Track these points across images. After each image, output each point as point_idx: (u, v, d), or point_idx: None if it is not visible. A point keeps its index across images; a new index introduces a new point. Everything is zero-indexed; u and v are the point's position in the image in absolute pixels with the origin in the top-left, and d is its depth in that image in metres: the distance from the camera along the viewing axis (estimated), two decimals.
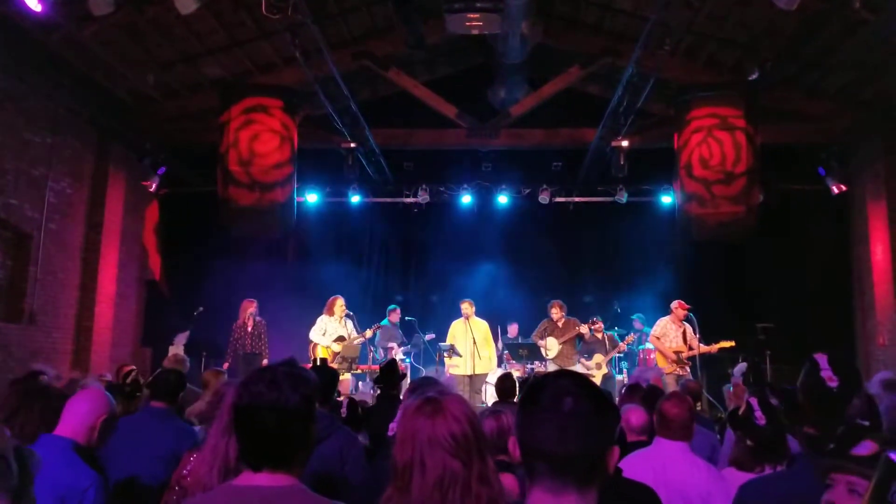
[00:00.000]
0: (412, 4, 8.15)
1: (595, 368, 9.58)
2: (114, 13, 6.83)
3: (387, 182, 11.45)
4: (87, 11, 6.77)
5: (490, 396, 9.25)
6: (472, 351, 9.21)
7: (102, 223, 9.37)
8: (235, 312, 9.29)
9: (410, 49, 9.25)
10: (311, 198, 11.03)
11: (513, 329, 10.56)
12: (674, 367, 8.65)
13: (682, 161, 8.86)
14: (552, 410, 1.28)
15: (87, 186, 9.29)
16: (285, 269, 11.43)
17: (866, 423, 2.04)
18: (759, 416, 2.93)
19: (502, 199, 11.10)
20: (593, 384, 1.37)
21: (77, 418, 2.72)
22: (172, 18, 7.86)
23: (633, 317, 10.54)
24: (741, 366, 8.01)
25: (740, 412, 3.07)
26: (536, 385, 1.35)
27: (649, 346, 9.39)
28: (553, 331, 9.73)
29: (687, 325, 8.84)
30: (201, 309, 9.75)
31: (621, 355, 10.24)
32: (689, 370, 8.68)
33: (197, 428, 3.82)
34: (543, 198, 10.86)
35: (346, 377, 8.65)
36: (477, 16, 7.32)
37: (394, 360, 6.18)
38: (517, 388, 5.40)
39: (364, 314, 10.25)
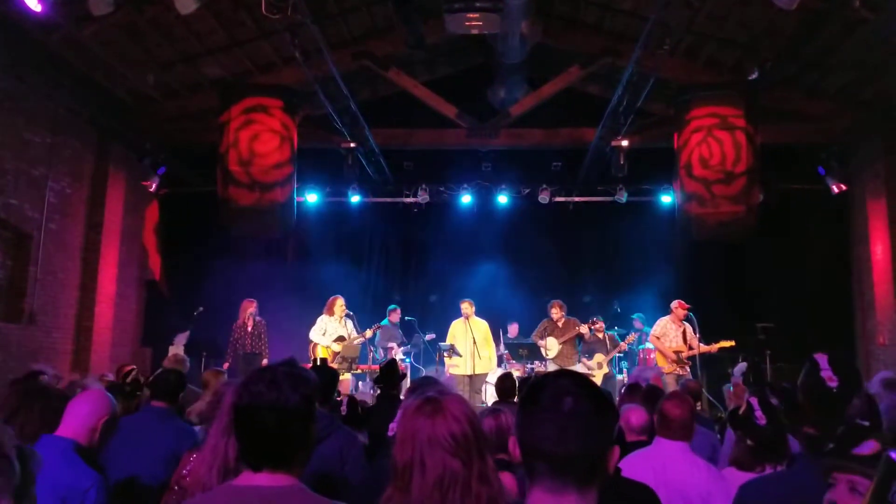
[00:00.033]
0: (412, 4, 8.15)
1: (596, 368, 9.58)
2: (113, 13, 6.83)
3: (387, 182, 11.45)
4: (86, 11, 6.77)
5: (490, 396, 9.25)
6: (472, 351, 9.20)
7: (102, 223, 9.37)
8: (235, 312, 9.29)
9: (410, 49, 9.25)
10: (311, 198, 11.03)
11: (513, 329, 10.56)
12: (674, 366, 8.65)
13: (682, 161, 8.86)
14: (552, 410, 1.28)
15: (87, 186, 9.29)
16: (285, 269, 11.43)
17: (866, 423, 2.04)
18: (760, 416, 2.93)
19: (502, 199, 11.09)
20: (593, 384, 1.37)
21: (78, 419, 2.73)
22: (172, 18, 7.86)
23: (634, 316, 10.54)
24: (741, 365, 8.02)
25: (741, 412, 3.06)
26: (536, 385, 1.35)
27: (649, 345, 9.39)
28: (553, 331, 9.73)
29: (687, 325, 8.83)
30: (201, 309, 9.75)
31: (621, 355, 10.24)
32: (689, 370, 8.68)
33: (197, 428, 3.82)
34: (543, 198, 10.86)
35: (346, 377, 8.65)
36: (476, 15, 7.31)
37: (394, 360, 6.18)
38: (517, 388, 5.40)
39: (364, 314, 10.25)
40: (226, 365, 8.74)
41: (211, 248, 10.44)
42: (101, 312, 9.29)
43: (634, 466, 3.00)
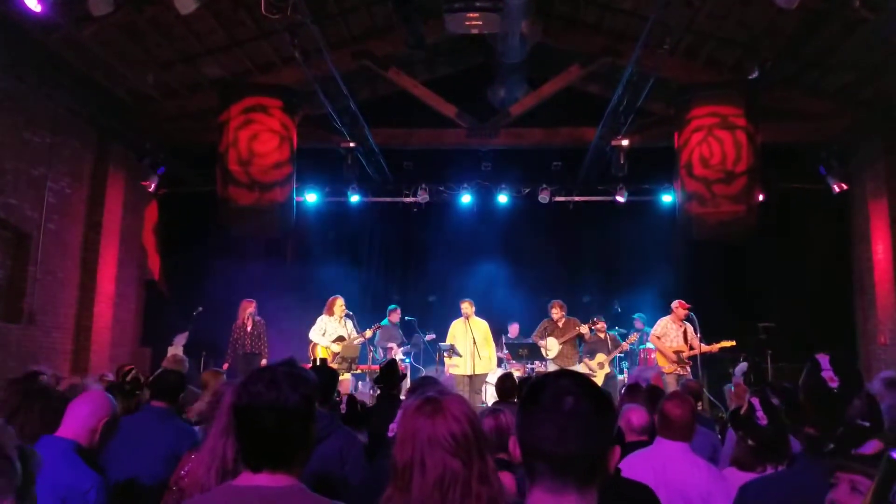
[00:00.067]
0: (412, 4, 8.15)
1: (598, 368, 9.57)
2: (113, 13, 6.83)
3: (386, 182, 11.44)
4: (86, 11, 6.77)
5: (490, 396, 9.25)
6: (472, 351, 9.20)
7: (102, 223, 9.37)
8: (235, 312, 9.28)
9: (410, 49, 9.24)
10: (311, 197, 11.02)
11: (513, 329, 10.55)
12: (674, 366, 8.64)
13: (682, 160, 8.86)
14: (552, 410, 1.28)
15: (87, 186, 9.29)
16: (285, 268, 11.42)
17: (867, 424, 2.04)
18: (761, 416, 2.93)
19: (502, 199, 11.09)
20: (594, 384, 1.36)
21: (79, 420, 2.73)
22: (172, 18, 7.86)
23: (635, 316, 10.54)
24: (742, 365, 8.02)
25: (742, 412, 3.06)
26: (537, 385, 1.34)
27: (650, 345, 9.38)
28: (553, 331, 9.72)
29: (687, 325, 8.83)
30: (200, 309, 9.75)
31: (622, 355, 10.23)
32: (689, 370, 8.68)
33: (196, 428, 3.82)
34: (543, 197, 10.85)
35: (346, 377, 8.64)
36: (476, 15, 7.31)
37: (394, 361, 6.18)
38: (517, 388, 5.39)
39: (364, 314, 10.24)
40: (225, 365, 8.74)
41: (210, 248, 10.43)
42: (100, 312, 9.29)
43: (635, 466, 3.00)
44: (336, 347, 9.06)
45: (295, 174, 9.26)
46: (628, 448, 3.34)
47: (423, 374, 8.73)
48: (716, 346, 8.79)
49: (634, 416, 3.70)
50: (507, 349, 9.78)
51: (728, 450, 3.65)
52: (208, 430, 2.22)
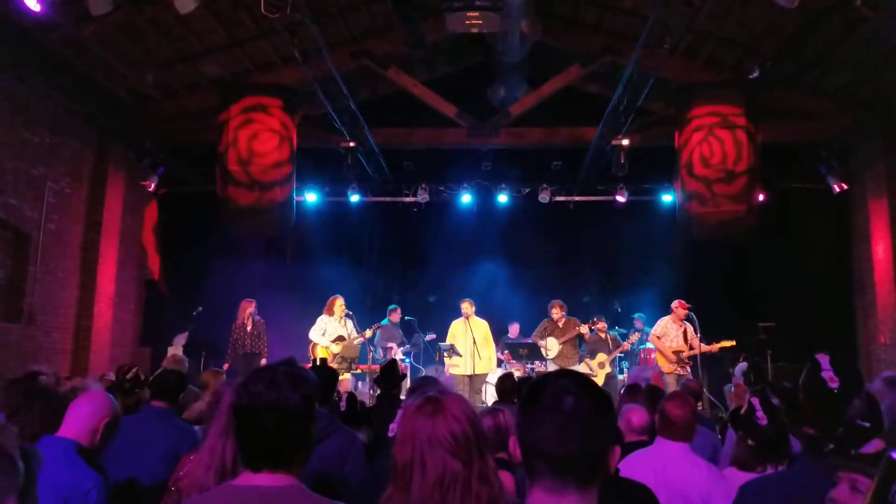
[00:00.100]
0: (412, 3, 8.14)
1: (598, 368, 9.57)
2: (113, 13, 6.83)
3: (386, 181, 11.44)
4: (86, 11, 6.76)
5: (490, 396, 9.24)
6: (472, 351, 9.19)
7: (101, 223, 9.37)
8: (234, 312, 9.27)
9: (410, 48, 9.24)
10: (311, 197, 11.02)
11: (513, 329, 10.54)
12: (674, 366, 8.64)
13: (682, 160, 8.85)
14: (552, 410, 1.28)
15: (87, 186, 9.29)
16: (284, 268, 11.42)
17: (867, 424, 2.04)
18: (761, 416, 2.92)
19: (502, 199, 11.08)
20: (594, 384, 1.36)
21: (80, 420, 2.72)
22: (171, 18, 7.86)
23: (635, 316, 10.53)
24: (742, 365, 8.02)
25: (742, 412, 3.06)
26: (537, 385, 1.34)
27: (650, 345, 9.38)
28: (553, 331, 9.71)
29: (687, 325, 8.82)
30: (200, 309, 9.75)
31: (622, 355, 10.23)
32: (689, 370, 8.67)
33: (196, 428, 3.82)
34: (543, 197, 10.85)
35: (345, 377, 8.64)
36: (476, 14, 7.31)
37: (394, 361, 6.17)
38: (517, 388, 5.39)
39: (364, 314, 10.24)
40: (225, 365, 8.74)
41: (210, 248, 10.42)
42: (100, 312, 9.29)
43: (635, 466, 3.00)
44: (336, 347, 9.05)
45: (295, 174, 9.26)
46: (628, 448, 3.34)
47: (423, 374, 8.74)
48: (716, 346, 8.79)
49: (634, 416, 3.70)
50: (507, 349, 9.77)
51: (728, 450, 3.65)
52: (208, 430, 2.22)
